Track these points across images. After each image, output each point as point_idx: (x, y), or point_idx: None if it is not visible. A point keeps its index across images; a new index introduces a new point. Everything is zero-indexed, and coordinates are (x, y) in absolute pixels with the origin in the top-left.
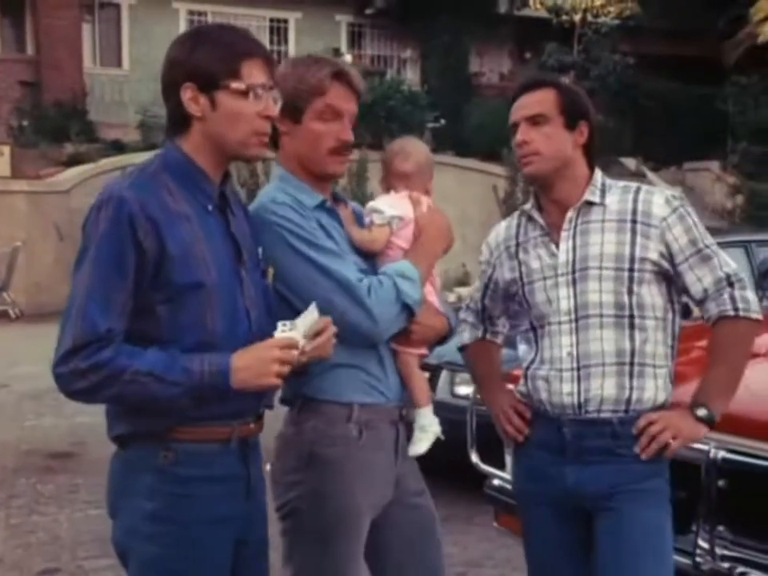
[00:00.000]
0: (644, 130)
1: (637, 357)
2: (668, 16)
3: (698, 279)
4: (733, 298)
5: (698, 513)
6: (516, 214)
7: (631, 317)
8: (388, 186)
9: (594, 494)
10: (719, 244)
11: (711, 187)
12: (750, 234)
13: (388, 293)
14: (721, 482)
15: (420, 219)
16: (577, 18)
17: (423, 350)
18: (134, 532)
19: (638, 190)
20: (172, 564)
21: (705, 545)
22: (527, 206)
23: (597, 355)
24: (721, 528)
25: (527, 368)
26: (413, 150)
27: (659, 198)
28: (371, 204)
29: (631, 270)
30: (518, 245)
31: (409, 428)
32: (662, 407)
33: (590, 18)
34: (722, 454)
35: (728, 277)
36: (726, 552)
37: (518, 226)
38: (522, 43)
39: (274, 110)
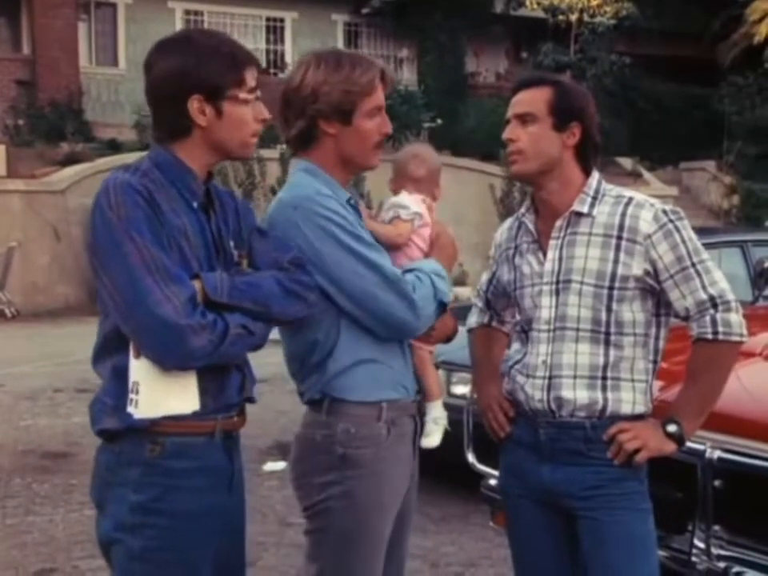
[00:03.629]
0: (640, 130)
1: (610, 371)
2: (664, 16)
3: (681, 297)
4: (714, 321)
5: (693, 512)
6: (516, 215)
7: (607, 333)
8: (398, 187)
9: (569, 494)
10: (715, 244)
11: (707, 187)
12: (745, 233)
13: (428, 290)
14: (717, 482)
15: (435, 225)
16: (573, 17)
17: (433, 348)
18: (120, 524)
19: (628, 203)
20: (158, 555)
21: (701, 544)
22: (522, 211)
23: (569, 367)
24: (717, 528)
25: (511, 367)
26: (427, 156)
27: (648, 213)
28: (395, 199)
29: (611, 288)
30: (515, 248)
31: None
32: (639, 418)
33: (586, 17)
34: (717, 453)
35: (712, 298)
36: (721, 552)
37: (518, 228)
38: (518, 43)
39: (267, 113)
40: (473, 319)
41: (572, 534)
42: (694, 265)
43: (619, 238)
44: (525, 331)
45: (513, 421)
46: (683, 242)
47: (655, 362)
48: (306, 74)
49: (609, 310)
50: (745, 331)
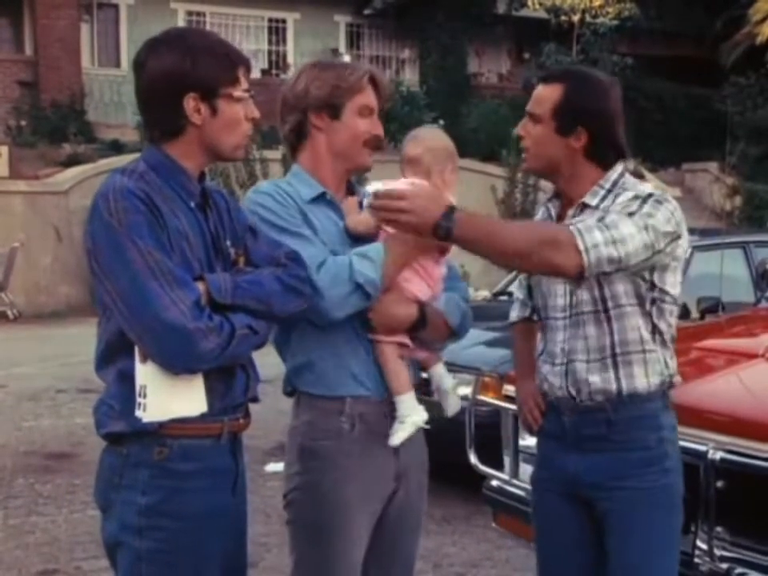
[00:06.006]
0: (642, 131)
1: (618, 347)
2: (666, 17)
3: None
4: (583, 225)
5: (696, 514)
6: (543, 201)
7: (606, 310)
8: (402, 173)
9: (594, 485)
10: (717, 245)
11: (710, 188)
12: (748, 234)
13: (340, 270)
14: (719, 483)
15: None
16: (575, 18)
17: (400, 338)
18: (127, 526)
19: (636, 197)
20: (165, 557)
21: (703, 546)
22: (548, 196)
23: (582, 351)
24: (719, 529)
25: (538, 359)
26: (427, 136)
27: (635, 196)
28: (365, 187)
29: None
30: None
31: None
32: (660, 389)
33: (588, 18)
34: (720, 454)
35: (602, 220)
36: (724, 553)
37: (543, 215)
38: (520, 43)
39: (257, 112)
40: (514, 314)
41: (597, 526)
42: (631, 213)
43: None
44: (543, 320)
45: (543, 414)
46: (641, 207)
47: (657, 332)
48: (300, 76)
49: (600, 285)
50: (592, 259)
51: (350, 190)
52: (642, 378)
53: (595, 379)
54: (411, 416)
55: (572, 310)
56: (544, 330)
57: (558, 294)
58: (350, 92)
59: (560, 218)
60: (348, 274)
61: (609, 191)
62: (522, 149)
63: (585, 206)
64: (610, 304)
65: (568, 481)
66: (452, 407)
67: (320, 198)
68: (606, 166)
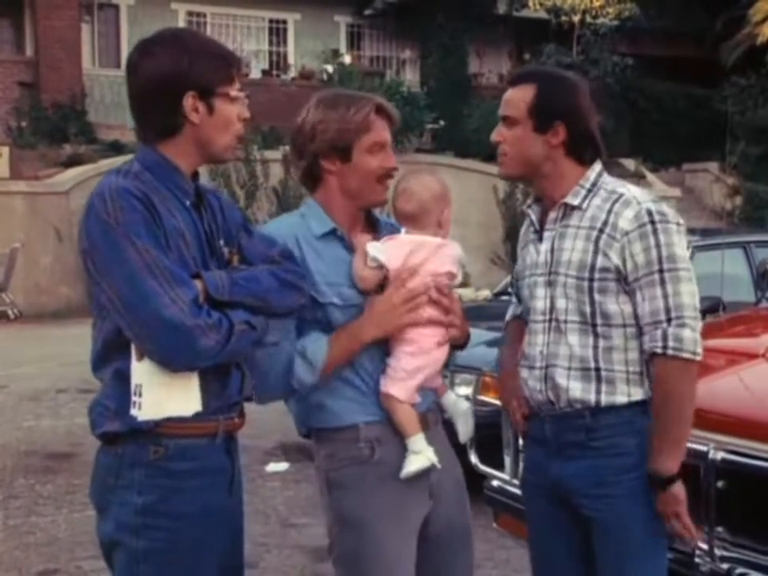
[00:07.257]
0: (643, 131)
1: (602, 363)
2: (666, 17)
3: (641, 301)
4: (665, 336)
5: (697, 514)
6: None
7: (594, 325)
8: (399, 223)
9: (576, 491)
10: (718, 245)
11: (710, 188)
12: (748, 234)
13: (281, 362)
14: (720, 483)
15: (373, 299)
16: (576, 18)
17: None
18: (123, 526)
19: (617, 199)
20: (162, 557)
21: (704, 546)
22: (528, 201)
23: (564, 358)
24: (720, 529)
25: (520, 362)
26: (416, 189)
27: (630, 211)
28: (371, 244)
29: (591, 279)
30: (525, 239)
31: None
32: (641, 405)
33: (588, 19)
34: (720, 454)
35: (667, 310)
36: (725, 553)
37: (527, 224)
38: (521, 44)
39: (248, 113)
40: (509, 313)
41: (584, 530)
42: (661, 271)
43: (601, 231)
44: (526, 323)
45: (527, 417)
46: (658, 246)
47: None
48: (306, 115)
49: (592, 301)
50: (699, 349)
51: (370, 220)
52: (623, 396)
53: (575, 386)
54: (425, 452)
55: (552, 315)
56: (527, 333)
57: (539, 296)
58: (357, 132)
59: (542, 221)
60: (286, 370)
61: (589, 191)
62: (498, 155)
63: (567, 206)
64: (599, 320)
65: (553, 486)
66: (466, 433)
67: (330, 234)
68: (585, 163)
